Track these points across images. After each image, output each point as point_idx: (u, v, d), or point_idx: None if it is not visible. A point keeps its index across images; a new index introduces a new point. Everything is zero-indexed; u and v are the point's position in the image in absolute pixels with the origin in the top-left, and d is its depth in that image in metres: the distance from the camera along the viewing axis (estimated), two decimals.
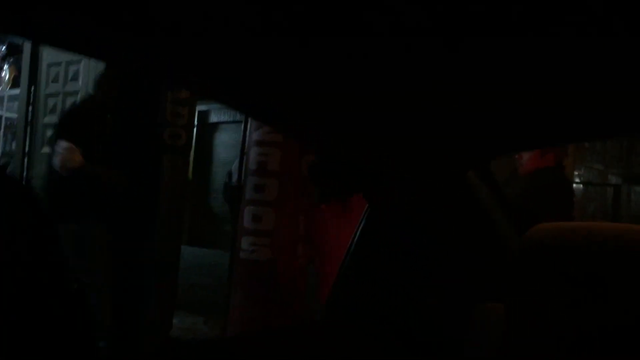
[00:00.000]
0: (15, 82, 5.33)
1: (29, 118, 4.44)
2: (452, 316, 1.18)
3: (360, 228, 1.22)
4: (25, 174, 4.31)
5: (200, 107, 9.12)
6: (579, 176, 6.95)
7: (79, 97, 4.18)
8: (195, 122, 5.65)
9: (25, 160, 4.43)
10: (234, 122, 10.79)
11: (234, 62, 0.87)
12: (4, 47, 5.59)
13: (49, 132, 4.33)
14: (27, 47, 4.45)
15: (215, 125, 11.57)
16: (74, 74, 4.22)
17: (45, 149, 4.29)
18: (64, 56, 4.29)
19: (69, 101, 4.24)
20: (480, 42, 0.81)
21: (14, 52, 5.46)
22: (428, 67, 0.92)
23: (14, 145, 4.01)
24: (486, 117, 1.05)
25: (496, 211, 1.20)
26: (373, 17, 0.74)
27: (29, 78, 4.44)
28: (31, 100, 4.43)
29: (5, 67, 5.59)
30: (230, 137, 11.82)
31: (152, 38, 0.78)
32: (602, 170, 9.57)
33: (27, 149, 4.48)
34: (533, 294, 0.88)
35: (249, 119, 3.14)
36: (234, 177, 3.32)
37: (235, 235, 3.21)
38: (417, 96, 1.01)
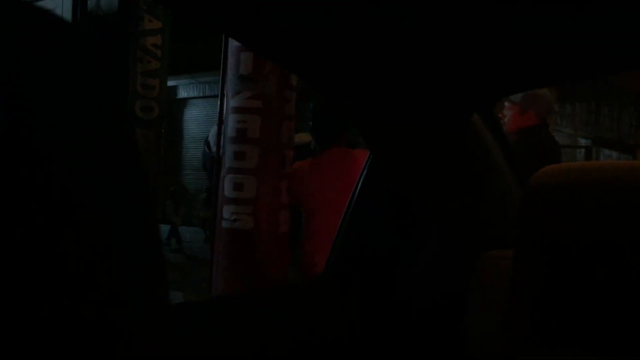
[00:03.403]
0: None
1: None
2: (459, 265, 1.16)
3: (363, 177, 1.19)
4: None
5: (168, 83, 8.96)
6: None
7: None
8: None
9: None
10: (203, 97, 10.65)
11: None
12: None
13: None
14: None
15: (185, 101, 11.39)
16: None
17: None
18: None
19: None
20: None
21: None
22: (425, 6, 0.88)
23: None
24: (488, 56, 1.02)
25: (500, 156, 1.17)
26: None
27: None
28: None
29: None
30: (200, 112, 11.65)
31: None
32: (571, 134, 9.75)
33: None
34: (544, 238, 0.86)
35: (226, 85, 3.05)
36: (212, 146, 3.25)
37: (215, 205, 3.15)
38: (415, 38, 0.97)
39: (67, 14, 3.74)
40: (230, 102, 3.01)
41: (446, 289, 1.15)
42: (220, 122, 3.09)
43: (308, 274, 2.77)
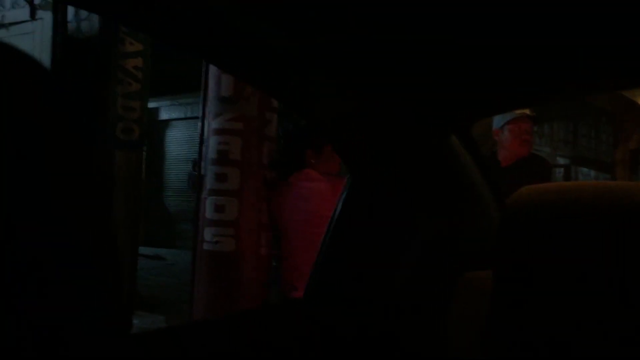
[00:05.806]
0: None
1: None
2: (438, 286, 1.16)
3: (343, 199, 1.19)
4: None
5: (150, 105, 8.96)
6: None
7: None
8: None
9: None
10: (185, 118, 10.62)
11: None
12: None
13: None
14: None
15: (166, 123, 11.36)
16: None
17: None
18: None
19: None
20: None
21: None
22: (412, 24, 0.89)
23: None
24: (469, 77, 1.03)
25: (479, 177, 1.18)
26: None
27: None
28: None
29: None
30: (182, 134, 11.62)
31: None
32: (550, 153, 9.88)
33: None
34: (522, 258, 0.86)
35: (207, 107, 3.05)
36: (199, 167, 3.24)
37: (196, 227, 3.13)
38: (401, 57, 0.99)
39: (47, 37, 3.73)
40: (212, 123, 3.01)
41: (426, 312, 1.15)
42: (201, 143, 3.09)
43: (287, 296, 2.75)
